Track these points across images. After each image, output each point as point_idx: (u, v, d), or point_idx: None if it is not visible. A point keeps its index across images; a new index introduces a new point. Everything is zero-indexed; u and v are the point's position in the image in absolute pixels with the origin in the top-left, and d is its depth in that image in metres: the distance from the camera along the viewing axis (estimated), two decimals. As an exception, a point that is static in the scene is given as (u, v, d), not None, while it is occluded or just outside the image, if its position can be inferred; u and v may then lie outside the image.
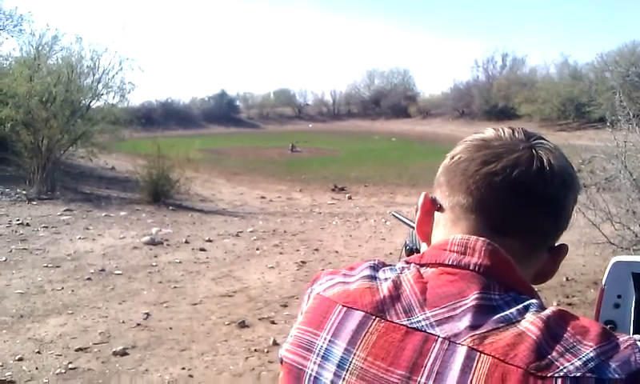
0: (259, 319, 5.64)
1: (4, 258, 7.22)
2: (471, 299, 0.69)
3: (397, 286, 0.74)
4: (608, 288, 2.47)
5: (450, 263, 0.73)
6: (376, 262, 0.81)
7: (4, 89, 13.28)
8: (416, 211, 0.87)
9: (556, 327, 0.65)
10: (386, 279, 0.76)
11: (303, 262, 7.92)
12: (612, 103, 7.48)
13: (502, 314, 0.67)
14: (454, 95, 55.86)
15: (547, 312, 0.67)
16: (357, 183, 18.31)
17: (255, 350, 4.88)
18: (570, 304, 6.12)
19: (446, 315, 0.69)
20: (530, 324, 0.65)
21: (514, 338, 0.64)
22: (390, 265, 0.80)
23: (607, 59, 37.44)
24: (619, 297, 2.46)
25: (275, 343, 4.98)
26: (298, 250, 8.74)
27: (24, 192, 11.77)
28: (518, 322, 0.66)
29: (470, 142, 0.80)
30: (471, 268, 0.72)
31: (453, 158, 0.81)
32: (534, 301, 0.69)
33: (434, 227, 0.83)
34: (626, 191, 6.62)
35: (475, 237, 0.74)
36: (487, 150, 0.77)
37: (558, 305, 5.93)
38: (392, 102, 61.46)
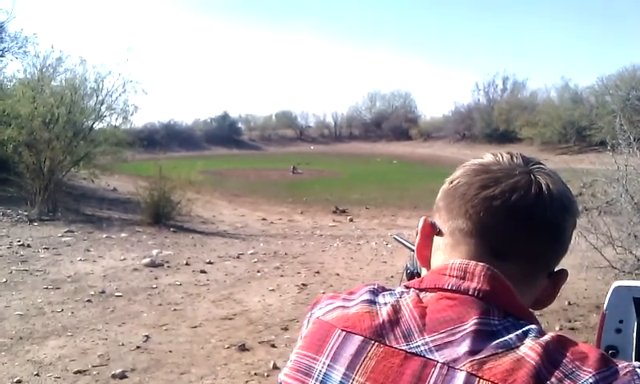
0: (259, 342, 5.60)
1: (4, 279, 7.20)
2: (470, 324, 0.69)
3: (396, 310, 0.74)
4: (609, 313, 2.45)
5: (449, 288, 0.73)
6: (376, 287, 0.80)
7: (7, 110, 13.34)
8: (416, 235, 0.87)
9: (555, 353, 0.65)
10: (385, 303, 0.76)
11: (304, 285, 7.89)
12: (613, 127, 7.50)
13: (501, 340, 0.67)
14: (455, 118, 56.05)
15: (546, 338, 0.67)
16: (358, 205, 18.30)
17: (255, 374, 4.85)
18: (572, 328, 6.09)
19: (445, 340, 0.69)
20: (529, 349, 0.65)
21: (513, 364, 0.64)
22: (390, 289, 0.80)
23: (608, 83, 37.67)
24: (621, 322, 2.44)
25: (275, 367, 4.94)
26: (298, 273, 8.71)
27: (25, 213, 11.78)
28: (517, 347, 0.66)
29: (469, 167, 0.81)
30: (470, 293, 0.72)
31: (452, 182, 0.82)
32: (533, 326, 0.69)
33: (434, 252, 0.84)
34: (627, 215, 6.62)
35: (475, 262, 0.75)
36: (486, 174, 0.78)
37: (560, 329, 5.92)
38: (393, 124, 61.67)
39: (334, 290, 7.61)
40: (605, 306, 2.48)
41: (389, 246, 10.98)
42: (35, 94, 14.14)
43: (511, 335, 0.68)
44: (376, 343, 0.71)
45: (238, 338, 5.66)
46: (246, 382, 4.71)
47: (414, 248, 1.90)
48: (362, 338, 0.72)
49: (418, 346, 0.69)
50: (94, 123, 15.84)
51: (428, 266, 0.84)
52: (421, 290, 0.76)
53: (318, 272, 8.79)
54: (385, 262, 9.67)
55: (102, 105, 15.80)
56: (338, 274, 8.67)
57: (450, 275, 0.75)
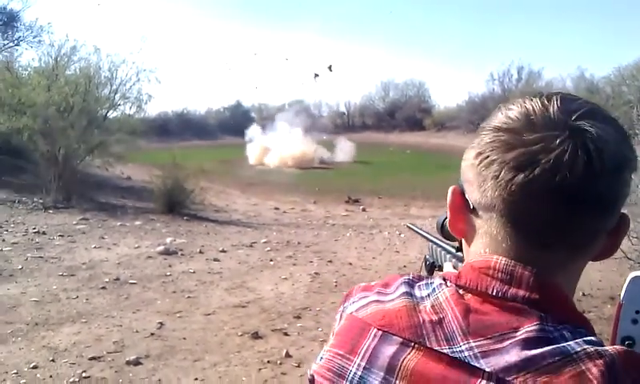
0: (272, 330, 5.62)
1: (20, 266, 7.28)
2: (521, 332, 0.62)
3: (436, 309, 0.68)
4: (626, 304, 2.43)
5: (493, 294, 0.66)
6: (411, 277, 0.75)
7: (22, 98, 13.46)
8: (447, 208, 0.78)
9: (622, 373, 0.58)
10: (422, 298, 0.70)
11: (317, 274, 7.90)
12: (629, 117, 7.40)
13: (558, 346, 0.60)
14: (469, 108, 55.56)
15: (611, 352, 0.60)
16: (371, 195, 18.27)
17: (268, 362, 4.86)
18: (586, 319, 6.05)
19: (492, 347, 0.62)
20: (592, 365, 0.58)
21: (573, 380, 0.57)
22: (426, 279, 0.74)
23: (624, 73, 37.13)
24: (637, 312, 2.42)
25: (288, 355, 4.96)
26: (311, 262, 8.72)
27: (40, 201, 11.90)
28: (578, 356, 0.59)
29: (498, 136, 0.68)
30: (518, 300, 0.65)
31: (479, 156, 0.70)
32: (593, 338, 0.63)
33: (469, 230, 0.75)
34: (643, 205, 6.54)
35: (521, 266, 0.67)
36: (520, 148, 0.65)
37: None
38: (407, 114, 61.28)
39: (346, 279, 7.61)
40: (621, 296, 2.45)
41: (402, 235, 10.95)
42: (50, 82, 14.25)
43: (570, 342, 0.61)
44: (416, 345, 0.66)
45: (251, 326, 5.68)
46: (259, 369, 4.73)
47: (430, 237, 1.89)
48: (400, 339, 0.67)
49: (462, 350, 0.63)
50: (108, 112, 15.98)
51: (465, 238, 0.77)
52: (460, 287, 0.69)
53: (330, 261, 8.79)
54: (397, 251, 9.64)
55: (115, 93, 15.95)
56: (350, 264, 8.67)
57: (493, 277, 0.67)
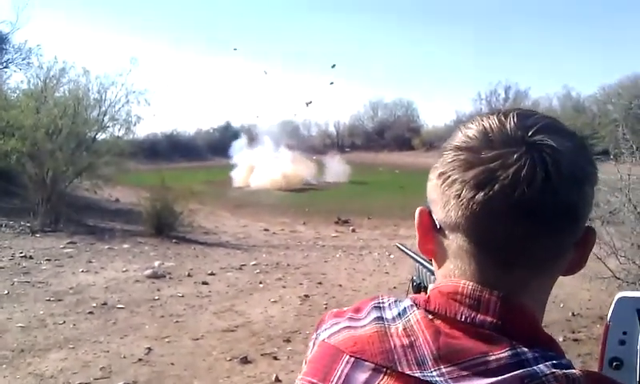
0: (262, 355, 5.58)
1: (6, 291, 7.20)
2: (492, 357, 0.63)
3: (408, 333, 0.68)
4: (613, 324, 2.44)
5: (462, 320, 0.66)
6: (380, 300, 0.74)
7: (11, 121, 13.39)
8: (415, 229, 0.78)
9: None
10: (393, 319, 0.70)
11: (306, 296, 7.87)
12: (615, 136, 7.48)
13: (528, 370, 0.61)
14: (457, 127, 56.02)
15: (578, 375, 0.61)
16: (360, 216, 18.26)
17: (257, 387, 4.82)
18: (576, 340, 6.06)
19: (463, 373, 0.62)
20: None
21: None
22: (396, 299, 0.74)
23: (610, 92, 37.70)
24: (625, 333, 2.43)
25: (278, 379, 4.92)
26: (301, 284, 8.69)
27: (28, 224, 11.79)
28: (547, 380, 0.60)
29: (458, 156, 0.69)
30: (486, 327, 0.65)
31: (442, 176, 0.71)
32: (562, 360, 0.64)
33: (438, 250, 0.75)
34: (630, 224, 6.59)
35: (488, 290, 0.67)
36: (479, 166, 0.66)
37: (563, 340, 5.89)
38: (395, 133, 61.59)
39: (336, 301, 7.59)
40: (608, 317, 2.47)
41: (391, 256, 10.95)
42: (39, 104, 14.20)
43: (540, 365, 0.61)
44: (388, 370, 0.65)
45: (240, 350, 5.64)
46: (248, 394, 4.69)
47: (418, 258, 1.88)
48: (372, 365, 0.66)
49: (433, 376, 0.63)
50: (96, 134, 15.90)
51: (435, 258, 0.77)
52: (429, 312, 0.69)
53: (320, 283, 8.76)
54: (387, 272, 9.64)
55: (104, 116, 15.87)
56: (340, 285, 8.65)
57: (461, 303, 0.67)
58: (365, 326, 0.71)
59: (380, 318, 0.71)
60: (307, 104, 34.93)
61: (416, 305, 0.71)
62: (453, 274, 0.72)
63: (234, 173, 30.26)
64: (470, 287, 0.68)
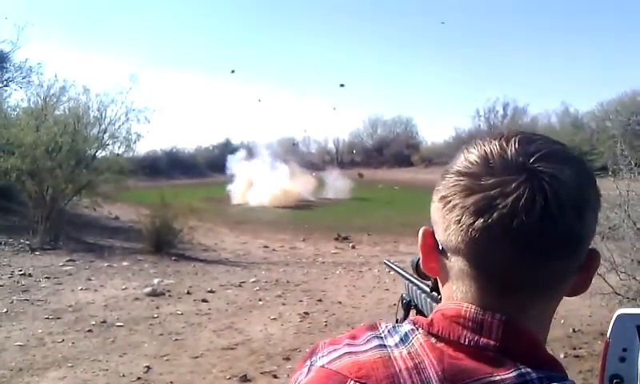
0: (261, 373, 5.55)
1: (5, 310, 7.17)
2: (497, 378, 0.63)
3: (412, 355, 0.68)
4: (613, 341, 2.43)
5: (465, 343, 0.67)
6: (379, 328, 0.74)
7: (11, 139, 13.43)
8: (419, 249, 0.79)
9: None
10: (396, 345, 0.70)
11: (306, 313, 7.84)
12: (614, 152, 7.50)
13: None
14: (456, 144, 56.08)
15: None
16: (360, 232, 18.24)
17: (257, 405, 4.79)
18: (577, 356, 6.03)
19: None
20: None
21: None
22: (395, 325, 0.74)
23: (608, 108, 37.86)
24: (625, 350, 2.42)
25: (277, 397, 4.89)
26: (301, 301, 8.66)
27: (27, 242, 11.78)
28: None
29: (458, 181, 0.69)
30: (490, 349, 0.66)
31: (443, 200, 0.71)
32: (566, 381, 0.65)
33: (441, 270, 0.75)
34: (630, 240, 6.58)
35: (490, 313, 0.68)
36: (479, 193, 0.66)
37: (565, 357, 5.86)
38: (395, 150, 61.80)
39: (336, 318, 7.56)
40: (608, 334, 2.46)
41: (391, 273, 10.91)
42: (39, 123, 14.24)
43: None
44: None
45: (240, 369, 5.61)
46: (248, 413, 4.66)
47: (406, 274, 1.88)
48: None
49: None
50: (96, 151, 15.93)
51: (438, 276, 0.77)
52: (431, 335, 0.69)
53: (320, 300, 8.74)
54: (387, 289, 9.61)
55: (104, 133, 15.91)
56: (340, 302, 8.62)
57: (464, 327, 0.68)
58: (367, 351, 0.70)
59: (382, 346, 0.70)
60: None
61: (417, 328, 0.71)
62: (455, 295, 0.72)
63: (232, 186, 30.10)
64: (472, 310, 0.69)
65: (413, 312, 1.79)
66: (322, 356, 0.73)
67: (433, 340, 0.69)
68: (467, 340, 0.67)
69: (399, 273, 2.01)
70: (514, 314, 0.68)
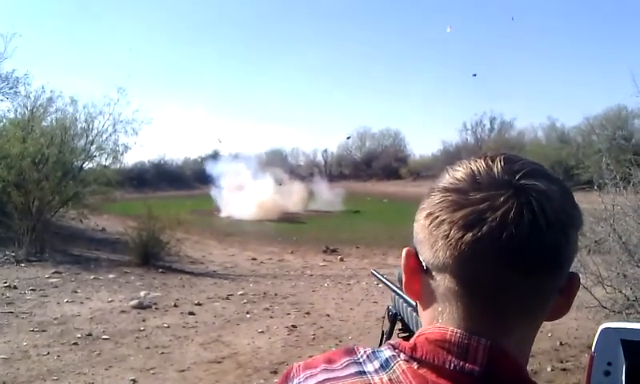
0: (248, 386, 5.52)
1: (-11, 322, 7.09)
2: None
3: (393, 382, 0.67)
4: (598, 355, 2.45)
5: (450, 368, 0.66)
6: (357, 354, 0.73)
7: (-4, 150, 13.33)
8: (402, 270, 0.78)
9: None
10: (375, 371, 0.69)
11: (294, 326, 7.81)
12: (599, 166, 7.57)
13: None
14: (443, 157, 56.43)
15: None
16: (349, 245, 18.26)
17: (244, 419, 4.76)
18: (564, 369, 6.05)
19: None
20: None
21: None
22: (374, 350, 0.73)
23: (594, 122, 38.20)
24: (609, 364, 2.44)
25: (264, 411, 4.86)
26: (288, 314, 8.64)
27: (12, 254, 11.65)
28: None
29: (446, 197, 0.70)
30: (475, 375, 0.65)
31: (430, 216, 0.71)
32: None
33: (424, 291, 0.74)
34: (615, 254, 6.64)
35: (476, 338, 0.67)
36: (468, 208, 0.67)
37: (552, 370, 5.88)
38: (383, 163, 61.99)
39: (324, 331, 7.55)
40: (593, 348, 2.47)
41: (379, 285, 10.90)
42: (25, 134, 14.15)
43: None
44: None
45: (227, 382, 5.58)
46: (235, 427, 4.63)
47: (392, 286, 1.89)
48: None
49: None
50: (83, 163, 15.86)
51: (420, 300, 0.77)
52: (414, 359, 0.68)
53: (308, 313, 8.71)
54: (375, 302, 9.60)
55: (92, 145, 15.85)
56: (328, 315, 8.60)
57: (449, 351, 0.67)
58: (346, 378, 0.69)
59: (361, 372, 0.70)
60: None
61: (398, 353, 0.70)
62: (441, 316, 0.71)
63: (220, 198, 29.78)
64: (457, 335, 0.68)
65: (399, 324, 1.80)
66: (299, 381, 0.72)
67: (415, 365, 0.68)
68: (452, 365, 0.66)
69: (386, 284, 2.01)
70: (499, 337, 0.68)
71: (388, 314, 1.86)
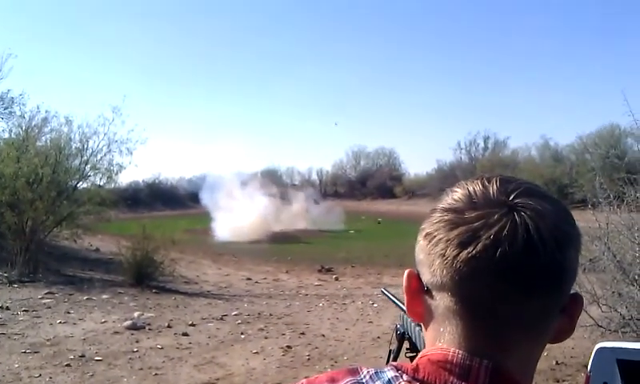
0: (243, 408, 5.47)
1: (-20, 344, 7.01)
2: None
3: None
4: (593, 375, 2.44)
5: None
6: (361, 374, 0.72)
7: (-9, 169, 13.29)
8: (403, 292, 0.78)
9: None
10: None
11: (289, 347, 7.76)
12: (593, 185, 7.60)
13: None
14: (438, 176, 56.74)
15: None
16: (344, 264, 18.21)
17: (238, 441, 4.71)
18: (560, 389, 6.02)
19: None
20: None
21: None
22: (377, 370, 0.72)
23: (587, 141, 38.41)
24: (605, 384, 2.42)
25: (259, 433, 4.81)
26: (283, 334, 8.58)
27: (5, 275, 11.57)
28: None
29: (443, 217, 0.71)
30: None
31: (428, 236, 0.72)
32: None
33: (427, 312, 0.75)
34: (610, 272, 6.64)
35: (478, 359, 0.67)
36: (462, 226, 0.68)
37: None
38: (378, 182, 62.24)
39: (319, 352, 7.50)
40: (589, 367, 2.46)
41: (375, 305, 10.88)
42: (20, 154, 14.12)
43: None
44: None
45: (221, 404, 5.52)
46: None
47: (402, 305, 1.88)
48: None
49: None
50: (77, 183, 15.81)
51: (423, 321, 0.77)
52: (417, 380, 0.68)
53: (303, 333, 8.66)
54: (371, 322, 9.56)
55: (86, 164, 15.81)
56: (323, 335, 8.55)
57: (450, 372, 0.67)
58: None
59: None
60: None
61: (401, 374, 0.70)
62: (442, 337, 0.71)
63: (214, 218, 29.57)
64: (459, 356, 0.68)
65: (406, 343, 1.80)
66: None
67: None
68: None
69: (396, 303, 2.01)
70: (501, 358, 0.68)
71: (396, 332, 1.86)
